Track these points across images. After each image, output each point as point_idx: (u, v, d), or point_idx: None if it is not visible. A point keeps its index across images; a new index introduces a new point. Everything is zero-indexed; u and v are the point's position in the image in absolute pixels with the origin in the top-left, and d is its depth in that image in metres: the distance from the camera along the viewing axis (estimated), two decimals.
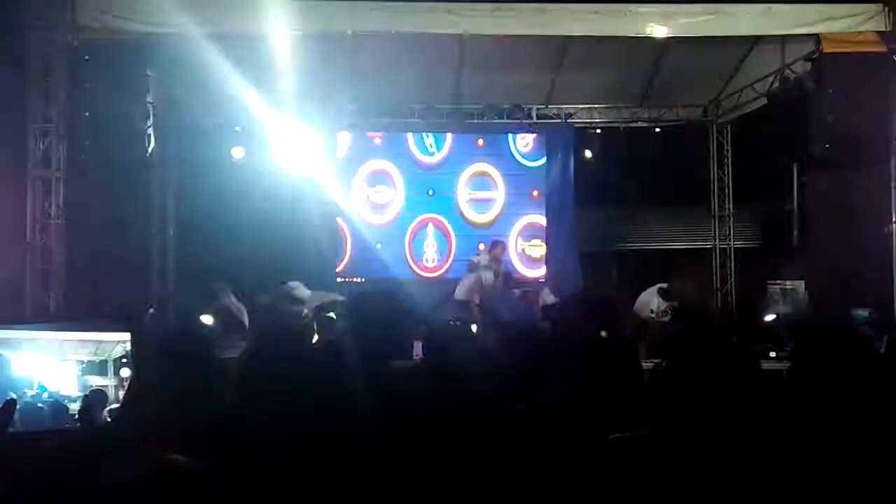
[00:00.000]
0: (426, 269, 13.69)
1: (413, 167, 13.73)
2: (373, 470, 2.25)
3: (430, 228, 13.72)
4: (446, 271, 13.66)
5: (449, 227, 13.73)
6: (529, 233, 13.89)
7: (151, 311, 10.73)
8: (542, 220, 13.91)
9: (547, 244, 13.90)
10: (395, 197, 13.68)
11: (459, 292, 12.09)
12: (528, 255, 13.89)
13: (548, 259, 13.87)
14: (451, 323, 7.22)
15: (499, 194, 13.83)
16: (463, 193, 13.78)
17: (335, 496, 2.27)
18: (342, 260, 13.51)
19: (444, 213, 13.72)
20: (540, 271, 13.88)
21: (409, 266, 13.65)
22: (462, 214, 13.76)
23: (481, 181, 13.81)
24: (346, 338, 2.83)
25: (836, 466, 2.06)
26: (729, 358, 2.25)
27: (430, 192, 13.74)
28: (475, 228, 13.78)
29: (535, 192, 13.91)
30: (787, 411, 2.26)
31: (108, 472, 1.97)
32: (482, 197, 13.83)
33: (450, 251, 13.72)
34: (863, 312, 9.68)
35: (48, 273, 9.49)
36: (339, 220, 13.49)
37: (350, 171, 13.56)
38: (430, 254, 13.69)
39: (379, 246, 13.57)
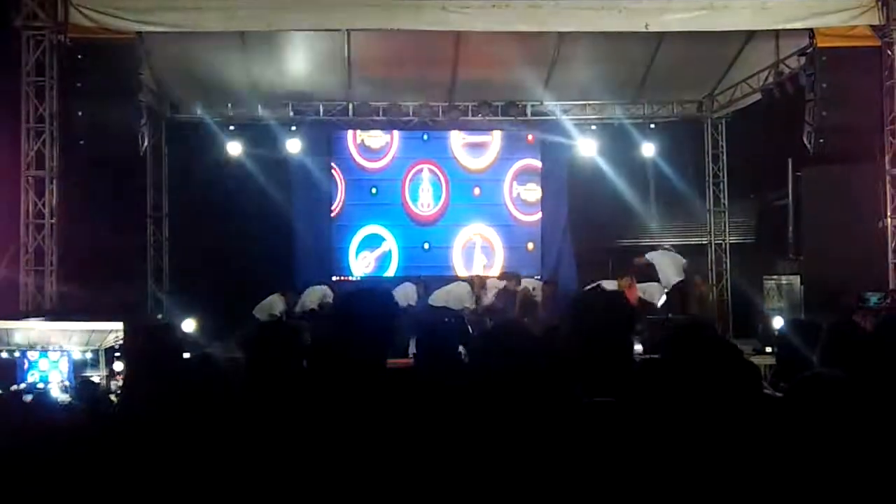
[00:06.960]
0: (421, 214, 13.75)
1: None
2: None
3: (426, 174, 13.75)
4: (440, 216, 13.74)
5: (444, 172, 13.74)
6: (525, 177, 13.89)
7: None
8: (536, 164, 13.91)
9: (542, 241, 13.87)
10: (389, 142, 13.70)
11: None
12: (523, 200, 13.89)
13: (543, 257, 13.85)
14: (445, 320, 7.20)
15: (493, 138, 13.83)
16: (457, 137, 13.80)
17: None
18: (336, 205, 13.57)
19: (438, 157, 13.75)
20: (535, 216, 13.89)
21: (405, 211, 13.71)
22: (456, 159, 13.78)
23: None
24: (337, 337, 2.79)
25: (821, 462, 2.04)
26: (712, 354, 2.22)
27: (425, 137, 13.75)
28: (469, 174, 13.81)
29: (530, 137, 13.87)
30: (769, 408, 2.24)
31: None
32: (476, 141, 13.83)
33: (444, 196, 13.75)
34: (873, 296, 9.64)
35: (42, 273, 9.45)
36: (332, 165, 13.55)
37: None
38: (426, 198, 13.75)
39: (374, 191, 13.65)
